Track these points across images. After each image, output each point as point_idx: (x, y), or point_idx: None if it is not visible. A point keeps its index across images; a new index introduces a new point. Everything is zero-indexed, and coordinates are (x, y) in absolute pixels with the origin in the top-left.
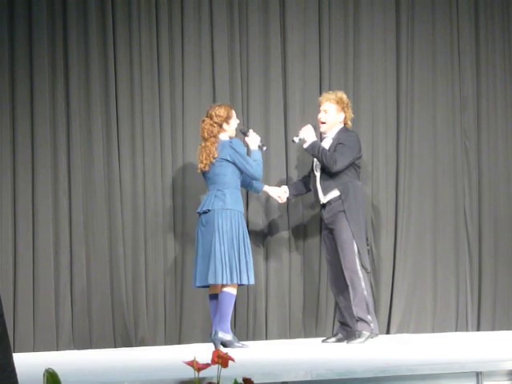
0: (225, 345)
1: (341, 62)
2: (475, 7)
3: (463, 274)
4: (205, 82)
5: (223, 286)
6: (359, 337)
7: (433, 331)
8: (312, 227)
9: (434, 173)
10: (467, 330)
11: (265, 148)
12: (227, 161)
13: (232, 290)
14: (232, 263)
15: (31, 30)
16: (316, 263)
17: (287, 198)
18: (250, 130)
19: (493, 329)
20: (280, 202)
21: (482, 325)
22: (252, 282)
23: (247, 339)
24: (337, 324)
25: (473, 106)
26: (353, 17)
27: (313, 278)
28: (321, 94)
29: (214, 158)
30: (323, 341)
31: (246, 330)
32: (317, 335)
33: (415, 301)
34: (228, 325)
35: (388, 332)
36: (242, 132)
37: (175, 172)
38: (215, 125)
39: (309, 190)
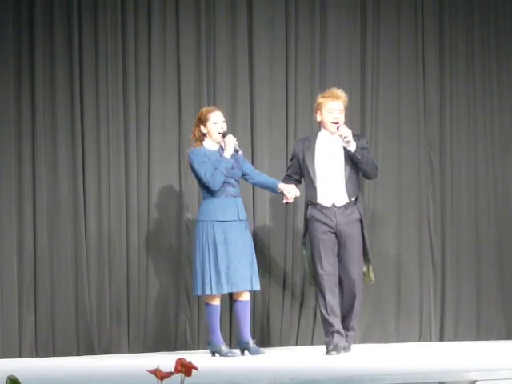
0: (213, 354)
1: (307, 71)
2: (440, 20)
3: (427, 284)
4: (171, 91)
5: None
6: (348, 350)
7: (396, 341)
8: (277, 234)
9: (398, 183)
10: (430, 340)
11: (240, 153)
12: (192, 171)
13: (210, 301)
14: (197, 275)
15: None
16: (280, 271)
17: (287, 201)
18: (229, 135)
19: (456, 339)
20: (286, 199)
21: (446, 335)
22: (221, 291)
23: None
24: (336, 335)
25: (437, 117)
26: (319, 27)
27: (277, 286)
28: (287, 102)
29: (188, 164)
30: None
31: None
32: (281, 344)
33: (379, 311)
34: (215, 336)
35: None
36: (222, 135)
37: (140, 188)
38: (196, 127)
39: None
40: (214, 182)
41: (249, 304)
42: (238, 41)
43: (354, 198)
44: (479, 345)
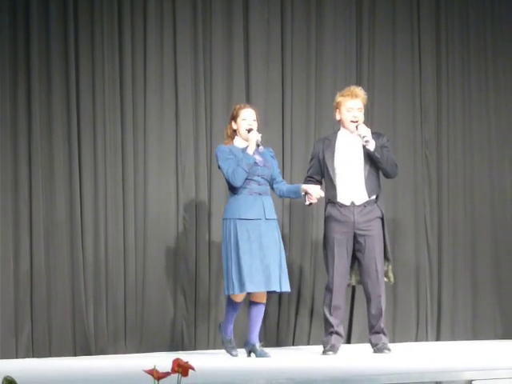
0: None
1: (303, 72)
2: (436, 22)
3: (423, 284)
4: (167, 92)
5: None
6: (389, 350)
7: (393, 341)
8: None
9: (395, 183)
10: (427, 340)
11: (260, 148)
12: (219, 168)
13: (234, 298)
14: (223, 274)
15: None
16: None
17: (310, 201)
18: (253, 131)
19: (452, 339)
20: (309, 199)
21: (442, 335)
22: (243, 290)
23: (208, 348)
24: (334, 336)
25: (433, 117)
26: (315, 28)
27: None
28: (283, 102)
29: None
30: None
31: (207, 339)
32: (278, 344)
33: None
34: (227, 325)
35: (349, 342)
36: (248, 132)
37: (137, 187)
38: (228, 123)
39: None
40: (234, 178)
41: (263, 307)
42: (234, 42)
43: (374, 197)
44: (475, 344)
